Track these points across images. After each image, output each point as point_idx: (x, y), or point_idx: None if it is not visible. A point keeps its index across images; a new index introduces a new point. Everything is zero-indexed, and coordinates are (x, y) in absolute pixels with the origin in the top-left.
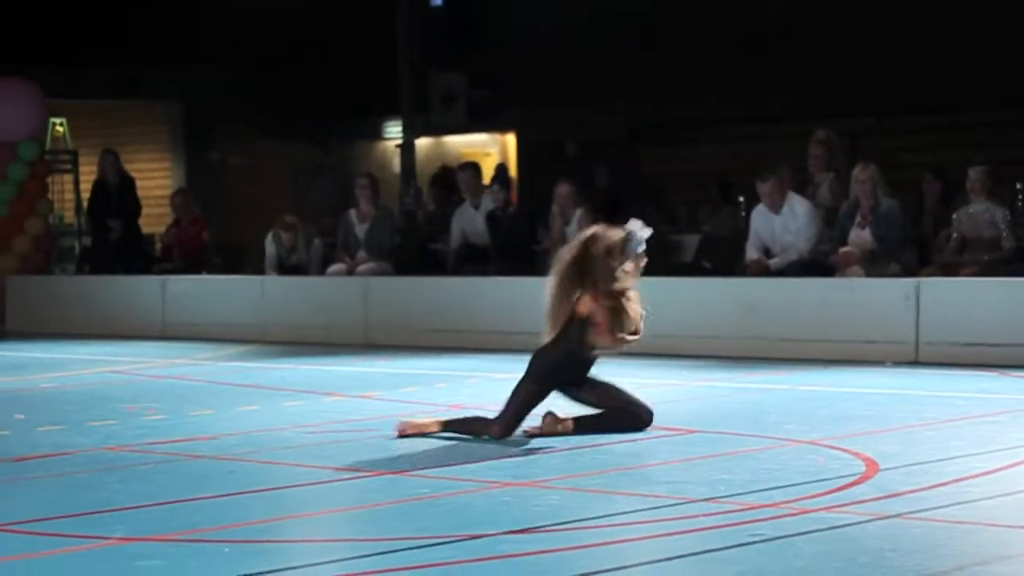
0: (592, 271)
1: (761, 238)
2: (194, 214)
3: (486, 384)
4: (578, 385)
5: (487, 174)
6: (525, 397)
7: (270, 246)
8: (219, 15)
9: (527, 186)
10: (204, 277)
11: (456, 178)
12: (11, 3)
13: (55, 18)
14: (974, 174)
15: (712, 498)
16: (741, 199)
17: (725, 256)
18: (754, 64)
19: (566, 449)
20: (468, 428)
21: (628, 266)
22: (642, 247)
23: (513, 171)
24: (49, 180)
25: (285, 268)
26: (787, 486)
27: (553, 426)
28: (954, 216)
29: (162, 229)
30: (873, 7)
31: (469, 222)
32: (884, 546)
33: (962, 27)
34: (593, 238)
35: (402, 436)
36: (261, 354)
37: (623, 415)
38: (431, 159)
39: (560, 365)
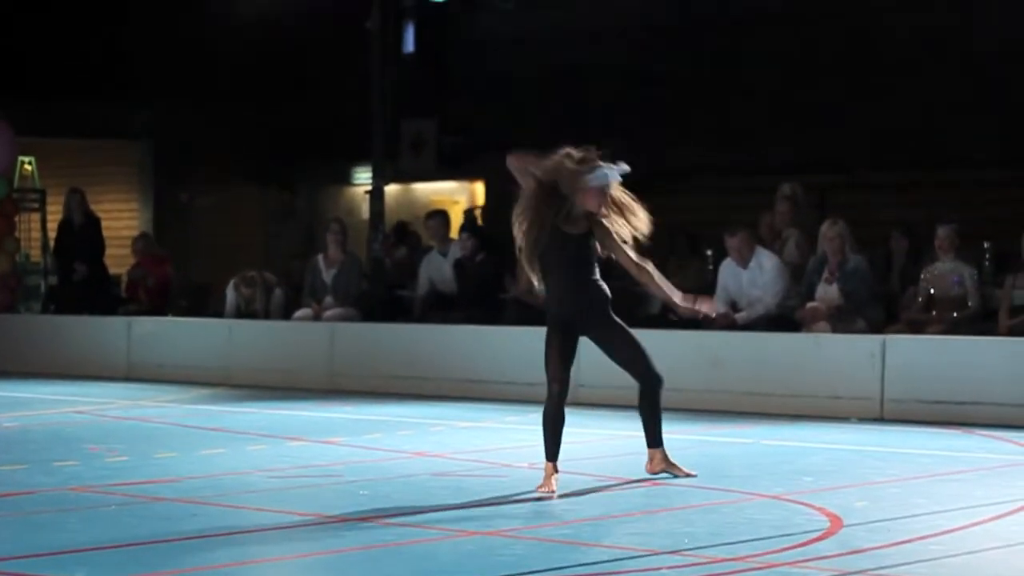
0: (562, 179)
1: (728, 292)
2: (159, 256)
3: (451, 432)
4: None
5: (455, 222)
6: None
7: (230, 294)
8: (191, 57)
9: (495, 234)
10: (170, 319)
11: (420, 227)
12: None
13: (24, 55)
14: (943, 232)
15: (676, 551)
16: (709, 252)
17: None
18: (725, 118)
19: (532, 498)
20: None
21: (591, 185)
22: (606, 180)
23: (481, 220)
24: (17, 219)
25: (244, 316)
26: (751, 540)
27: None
28: (922, 274)
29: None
30: (845, 63)
31: (436, 270)
32: None
33: (933, 89)
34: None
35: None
36: (226, 397)
37: (642, 388)
38: (400, 205)
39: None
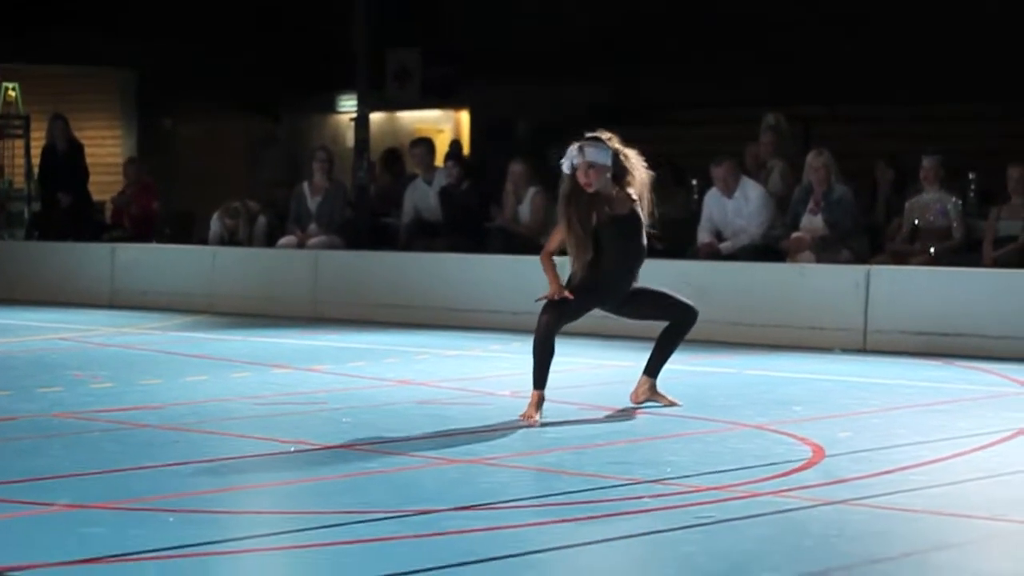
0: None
1: (713, 222)
2: (145, 182)
3: (435, 360)
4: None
5: (440, 151)
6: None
7: (215, 224)
8: None
9: (480, 163)
10: (154, 246)
11: (406, 155)
12: None
13: None
14: (927, 163)
15: (659, 480)
16: (694, 182)
17: (677, 239)
18: (709, 49)
19: (516, 428)
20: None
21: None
22: (565, 166)
23: (466, 148)
24: (0, 144)
25: (226, 245)
26: (734, 469)
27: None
28: (907, 205)
29: (111, 197)
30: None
31: (421, 198)
32: (830, 531)
33: (919, 20)
34: None
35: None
36: (210, 325)
37: (675, 320)
38: (385, 134)
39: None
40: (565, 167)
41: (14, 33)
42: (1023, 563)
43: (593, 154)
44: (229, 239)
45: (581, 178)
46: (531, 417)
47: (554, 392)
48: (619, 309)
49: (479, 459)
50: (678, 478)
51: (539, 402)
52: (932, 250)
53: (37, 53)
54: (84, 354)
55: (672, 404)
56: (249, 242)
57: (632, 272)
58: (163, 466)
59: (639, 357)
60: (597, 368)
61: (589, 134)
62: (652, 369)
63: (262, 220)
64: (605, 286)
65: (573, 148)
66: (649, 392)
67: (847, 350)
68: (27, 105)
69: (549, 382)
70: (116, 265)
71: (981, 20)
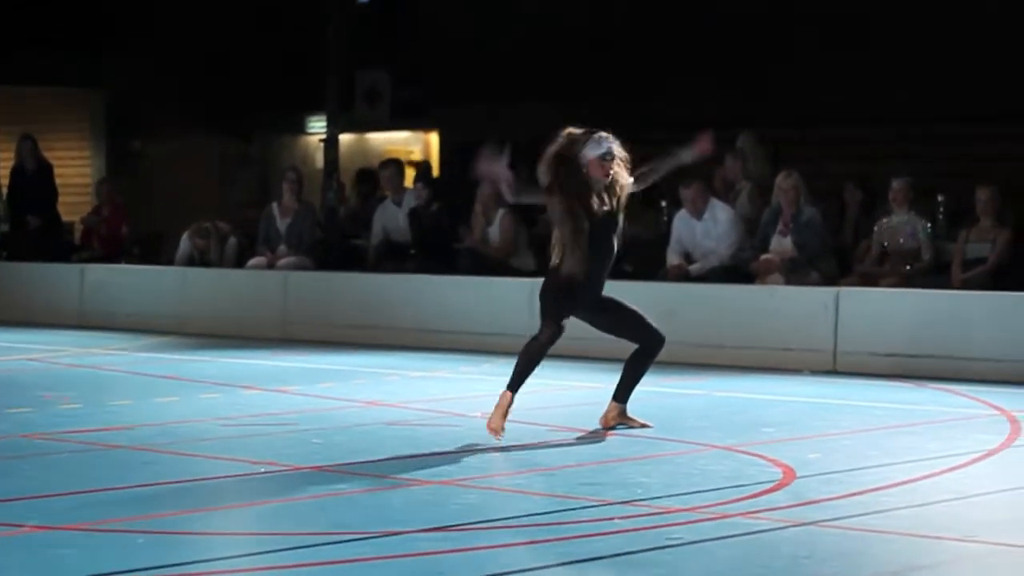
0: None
1: (682, 243)
2: (115, 203)
3: (405, 381)
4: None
5: (409, 172)
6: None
7: (184, 244)
8: (145, 5)
9: (449, 185)
10: (124, 267)
11: (378, 175)
12: None
13: None
14: (897, 185)
15: (629, 501)
16: (664, 203)
17: (646, 260)
18: (680, 69)
19: (485, 448)
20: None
21: (590, 156)
22: (600, 148)
23: (436, 170)
24: None
25: (195, 265)
26: (704, 491)
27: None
28: (876, 226)
29: (80, 217)
30: (803, 15)
31: (391, 219)
32: (800, 552)
33: (890, 40)
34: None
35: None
36: (179, 345)
37: (644, 344)
38: (354, 155)
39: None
40: (606, 144)
41: None
42: None
43: (620, 150)
44: (200, 259)
45: (606, 168)
46: (496, 432)
47: (524, 413)
48: (592, 316)
49: (449, 480)
50: (648, 499)
51: (508, 406)
52: (908, 267)
53: (4, 74)
54: (53, 374)
55: (643, 426)
56: (220, 262)
57: (607, 271)
58: (133, 487)
59: (608, 379)
60: (567, 389)
61: (598, 132)
62: (622, 395)
63: (232, 241)
64: (583, 286)
65: (603, 136)
66: (619, 417)
67: (817, 372)
68: None
69: (518, 403)
70: (85, 285)
71: (950, 43)
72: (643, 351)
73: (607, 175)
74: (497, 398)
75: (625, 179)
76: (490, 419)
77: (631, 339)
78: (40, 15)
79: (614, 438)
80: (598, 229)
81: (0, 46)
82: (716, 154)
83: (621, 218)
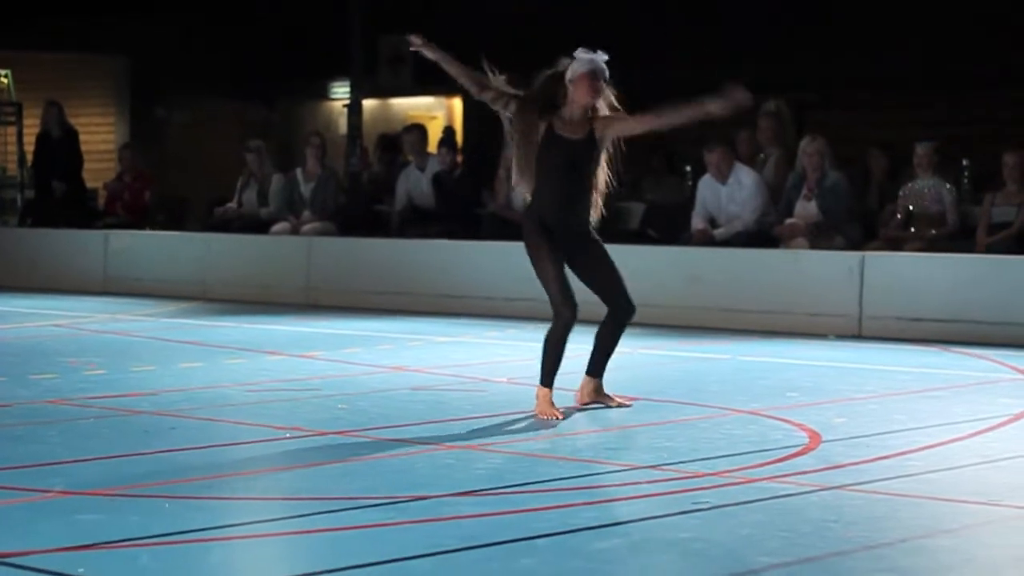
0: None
1: (707, 208)
2: (139, 170)
3: (429, 347)
4: (582, 252)
5: (433, 137)
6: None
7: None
8: None
9: (473, 150)
10: (148, 233)
11: (401, 140)
12: None
13: None
14: (922, 150)
15: (655, 465)
16: (688, 168)
17: (671, 225)
18: (702, 35)
19: (510, 413)
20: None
21: (580, 71)
22: (591, 64)
23: (459, 135)
24: None
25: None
26: (730, 455)
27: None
28: (900, 191)
29: (104, 183)
30: None
31: (414, 184)
32: (827, 517)
33: (914, 7)
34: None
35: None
36: (203, 311)
37: (615, 311)
38: (377, 120)
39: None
40: (599, 58)
41: (5, 20)
42: (1020, 548)
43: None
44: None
45: (595, 88)
46: (551, 415)
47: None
48: (573, 255)
49: (474, 445)
50: (674, 464)
51: (548, 397)
52: (933, 232)
53: (29, 39)
54: (78, 341)
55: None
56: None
57: (575, 200)
58: (158, 452)
59: (627, 344)
60: (586, 354)
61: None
62: (597, 369)
63: (277, 177)
64: (548, 213)
65: (596, 55)
66: (595, 394)
67: (842, 336)
68: (19, 92)
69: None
70: (109, 252)
71: (976, 7)
72: (615, 322)
73: (594, 96)
74: (535, 390)
75: (607, 114)
76: (538, 409)
77: (603, 298)
78: None
79: (638, 403)
80: (559, 149)
81: (26, 12)
82: (753, 106)
83: (603, 156)
